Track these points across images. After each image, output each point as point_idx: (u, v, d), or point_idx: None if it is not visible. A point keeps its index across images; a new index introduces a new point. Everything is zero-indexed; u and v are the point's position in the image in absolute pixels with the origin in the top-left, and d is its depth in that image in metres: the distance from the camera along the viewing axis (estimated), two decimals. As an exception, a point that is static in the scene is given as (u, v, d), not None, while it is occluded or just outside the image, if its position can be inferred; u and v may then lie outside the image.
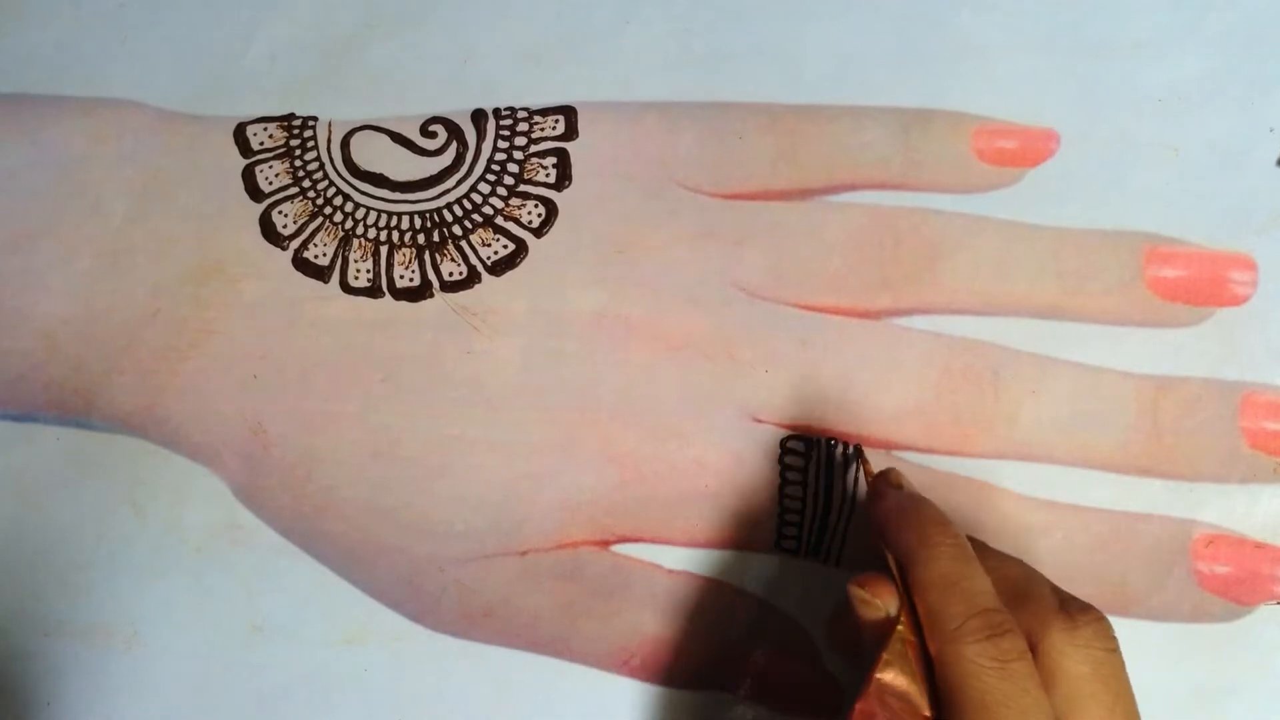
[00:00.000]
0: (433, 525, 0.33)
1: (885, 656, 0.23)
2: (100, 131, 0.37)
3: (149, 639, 0.33)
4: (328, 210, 0.35)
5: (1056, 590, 0.25)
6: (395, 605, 0.33)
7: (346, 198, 0.35)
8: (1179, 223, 0.33)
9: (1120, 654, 0.24)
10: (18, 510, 0.34)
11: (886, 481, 0.28)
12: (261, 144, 0.36)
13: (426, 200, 0.35)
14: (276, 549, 0.33)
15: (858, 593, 0.25)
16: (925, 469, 0.32)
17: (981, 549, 0.26)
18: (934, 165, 0.34)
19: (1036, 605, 0.24)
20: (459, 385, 0.33)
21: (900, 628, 0.24)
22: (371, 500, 0.33)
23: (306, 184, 0.36)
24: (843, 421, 0.32)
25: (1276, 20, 0.34)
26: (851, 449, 0.32)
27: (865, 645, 0.25)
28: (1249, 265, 0.32)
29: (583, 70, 0.36)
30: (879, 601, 0.25)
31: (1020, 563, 0.26)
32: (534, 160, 0.35)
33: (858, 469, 0.32)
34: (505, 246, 0.34)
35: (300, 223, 0.35)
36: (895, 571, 0.25)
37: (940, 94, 0.34)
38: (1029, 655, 0.23)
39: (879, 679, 0.23)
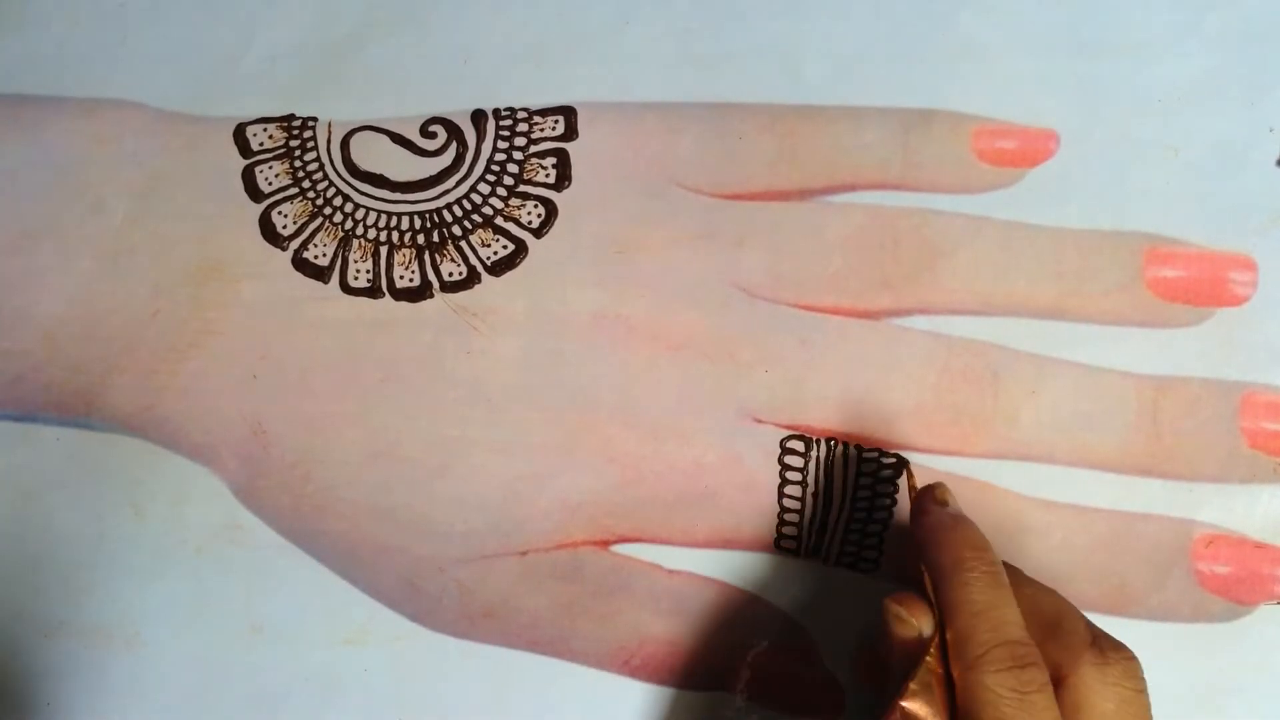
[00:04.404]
0: (433, 525, 0.33)
1: (912, 686, 0.23)
2: (100, 132, 0.37)
3: (149, 639, 0.33)
4: (327, 210, 0.35)
5: (1090, 625, 0.25)
6: (395, 605, 0.33)
7: (346, 198, 0.35)
8: (1179, 223, 0.33)
9: (1147, 695, 0.23)
10: (18, 511, 0.34)
11: (932, 498, 0.28)
12: (261, 144, 0.36)
13: (426, 200, 0.35)
14: (276, 549, 0.33)
15: (894, 608, 0.25)
16: (925, 469, 0.32)
17: (1018, 577, 0.26)
18: (934, 166, 0.34)
19: (1069, 638, 0.24)
20: (459, 385, 0.33)
21: (929, 659, 0.24)
22: (371, 500, 0.33)
23: (306, 184, 0.36)
24: (843, 421, 0.32)
25: (1276, 20, 0.34)
26: (895, 459, 0.32)
27: (893, 662, 0.25)
28: (1249, 266, 0.32)
29: (583, 70, 0.36)
30: (914, 621, 0.25)
31: (1055, 594, 0.26)
32: (534, 160, 0.35)
33: (903, 482, 0.31)
34: (505, 247, 0.34)
35: (300, 223, 0.35)
36: (930, 593, 0.25)
37: (940, 94, 0.34)
38: (1050, 689, 0.23)
39: (904, 707, 0.23)
